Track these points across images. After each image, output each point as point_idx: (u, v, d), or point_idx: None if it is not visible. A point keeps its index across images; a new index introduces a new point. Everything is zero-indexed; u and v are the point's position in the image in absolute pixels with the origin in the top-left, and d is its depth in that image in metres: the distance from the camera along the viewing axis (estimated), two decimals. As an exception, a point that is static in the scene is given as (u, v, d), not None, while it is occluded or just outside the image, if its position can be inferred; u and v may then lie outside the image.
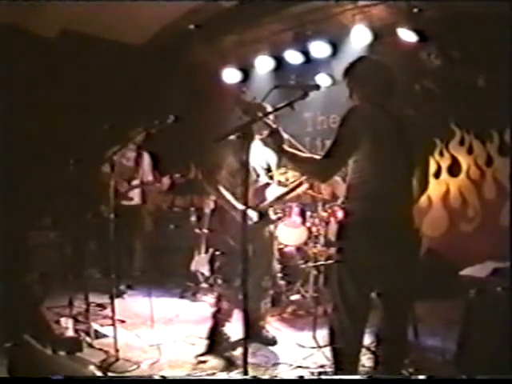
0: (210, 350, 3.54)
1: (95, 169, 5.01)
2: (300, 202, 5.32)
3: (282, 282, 4.83)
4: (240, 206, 3.44)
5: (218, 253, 3.74)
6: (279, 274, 3.82)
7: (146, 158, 5.55)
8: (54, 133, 5.91)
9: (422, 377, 2.76)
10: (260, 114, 3.02)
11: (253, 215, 3.48)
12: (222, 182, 3.51)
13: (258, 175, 3.60)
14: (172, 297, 5.26)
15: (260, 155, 3.63)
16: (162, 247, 6.17)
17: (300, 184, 3.60)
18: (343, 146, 2.46)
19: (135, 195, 5.44)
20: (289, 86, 4.66)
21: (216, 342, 3.62)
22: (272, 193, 3.61)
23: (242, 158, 3.48)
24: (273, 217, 3.64)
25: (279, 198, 3.60)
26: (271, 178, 3.67)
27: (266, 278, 3.62)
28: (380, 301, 2.57)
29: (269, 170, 3.68)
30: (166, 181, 5.11)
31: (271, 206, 3.60)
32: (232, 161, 3.52)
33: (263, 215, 3.53)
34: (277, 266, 3.78)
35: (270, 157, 3.68)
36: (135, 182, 5.36)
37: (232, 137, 3.53)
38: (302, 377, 3.07)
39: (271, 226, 3.68)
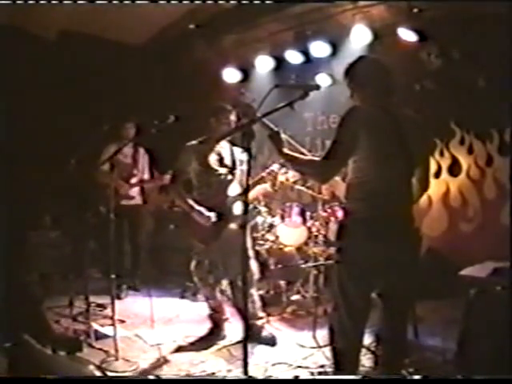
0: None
1: (95, 168, 5.01)
2: (300, 201, 5.33)
3: (282, 282, 4.84)
4: (197, 207, 3.54)
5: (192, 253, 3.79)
6: (257, 273, 3.82)
7: (143, 156, 5.54)
8: (54, 133, 5.91)
9: (421, 377, 2.76)
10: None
11: (210, 215, 3.58)
12: (185, 185, 3.70)
13: (219, 175, 3.71)
14: (172, 297, 5.25)
15: (226, 154, 3.77)
16: (162, 247, 6.17)
17: (261, 180, 3.65)
18: (342, 147, 2.46)
19: (136, 193, 5.43)
20: (289, 86, 4.66)
21: (209, 340, 3.72)
22: (234, 191, 3.70)
23: (203, 162, 3.65)
24: (236, 214, 3.69)
25: (240, 195, 3.66)
26: (233, 175, 3.77)
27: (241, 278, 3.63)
28: (380, 301, 2.57)
29: (233, 168, 3.74)
30: (167, 178, 5.10)
31: (233, 203, 3.69)
32: (195, 164, 3.69)
33: (223, 214, 3.63)
34: (254, 265, 3.78)
35: (237, 156, 3.81)
36: (135, 179, 5.35)
37: (194, 142, 3.69)
38: (299, 377, 3.07)
39: (237, 224, 3.70)
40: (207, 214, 3.60)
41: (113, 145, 5.04)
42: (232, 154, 3.80)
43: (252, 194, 3.84)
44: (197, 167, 3.70)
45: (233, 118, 3.70)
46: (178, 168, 3.76)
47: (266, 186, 3.74)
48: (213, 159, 3.72)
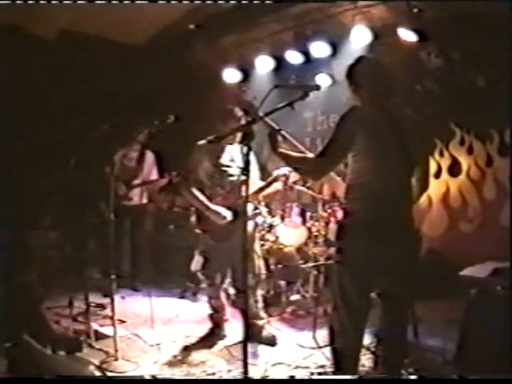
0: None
1: (96, 169, 5.01)
2: (300, 201, 5.33)
3: (282, 282, 4.84)
4: (213, 206, 3.53)
5: (199, 251, 3.80)
6: (263, 273, 3.82)
7: (150, 157, 5.56)
8: (54, 133, 5.90)
9: (421, 377, 2.76)
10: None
11: (226, 214, 3.58)
12: (195, 185, 3.66)
13: (231, 175, 3.69)
14: (172, 297, 5.25)
15: (237, 155, 3.75)
16: (162, 247, 6.17)
17: (275, 179, 3.64)
18: (338, 146, 2.47)
19: (135, 195, 5.44)
20: (289, 86, 4.66)
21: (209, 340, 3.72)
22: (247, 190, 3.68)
23: (215, 161, 3.63)
24: (250, 213, 3.69)
25: (254, 194, 3.66)
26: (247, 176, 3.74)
27: (249, 276, 3.62)
28: (380, 301, 2.57)
29: (246, 168, 3.73)
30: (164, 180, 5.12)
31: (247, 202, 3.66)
32: (207, 164, 3.67)
33: (238, 213, 3.62)
34: (261, 265, 3.78)
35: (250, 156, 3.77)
36: (136, 182, 5.36)
37: (203, 141, 3.68)
38: (295, 377, 3.07)
39: (249, 223, 3.69)
40: (224, 213, 3.59)
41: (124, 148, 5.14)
42: (244, 154, 3.75)
43: (266, 192, 3.84)
44: (209, 167, 3.68)
45: (240, 115, 3.66)
46: (188, 167, 3.72)
47: (277, 185, 3.73)
48: (225, 160, 3.70)
